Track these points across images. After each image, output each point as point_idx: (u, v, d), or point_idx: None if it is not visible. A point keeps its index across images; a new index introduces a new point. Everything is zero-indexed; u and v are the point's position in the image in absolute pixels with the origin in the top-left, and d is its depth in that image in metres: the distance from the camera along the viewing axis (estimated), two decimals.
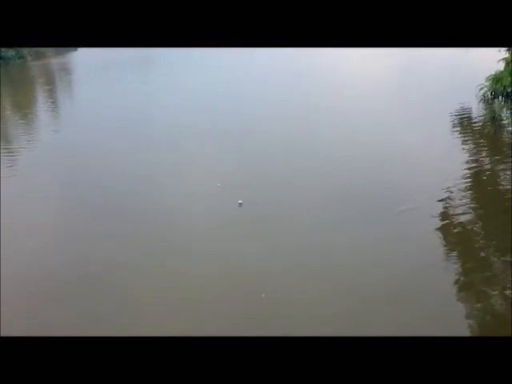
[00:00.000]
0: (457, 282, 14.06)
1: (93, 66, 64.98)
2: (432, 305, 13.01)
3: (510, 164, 21.78)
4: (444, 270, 14.49)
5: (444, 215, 17.96)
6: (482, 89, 21.12)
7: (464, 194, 19.80)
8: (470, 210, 18.39)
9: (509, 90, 19.06)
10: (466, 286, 14.09)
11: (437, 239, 16.31)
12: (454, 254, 15.73)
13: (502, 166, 22.21)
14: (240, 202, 19.65)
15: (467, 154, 24.02)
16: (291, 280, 14.49)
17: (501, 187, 20.66)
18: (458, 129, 28.47)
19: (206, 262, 15.66)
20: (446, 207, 18.57)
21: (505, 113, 20.54)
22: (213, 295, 13.97)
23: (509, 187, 20.01)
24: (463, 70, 41.29)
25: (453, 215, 18.03)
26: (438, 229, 16.88)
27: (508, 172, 21.25)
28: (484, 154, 24.43)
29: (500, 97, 19.91)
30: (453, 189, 19.94)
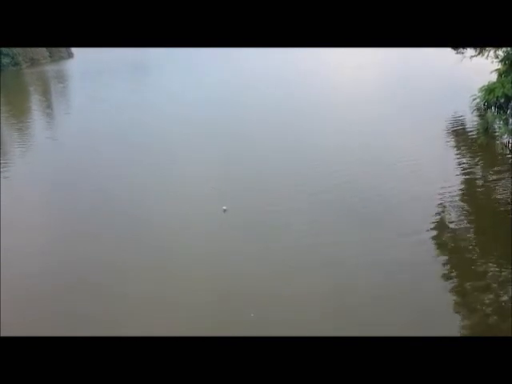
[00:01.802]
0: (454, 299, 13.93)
1: (87, 73, 65.05)
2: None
3: (503, 175, 21.96)
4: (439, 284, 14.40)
5: (438, 227, 17.95)
6: (475, 99, 21.33)
7: (458, 205, 19.87)
8: (465, 222, 18.41)
9: (501, 100, 19.24)
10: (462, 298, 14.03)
11: (431, 250, 16.33)
12: (449, 266, 15.66)
13: (494, 177, 22.36)
14: (224, 208, 19.17)
15: (461, 165, 24.17)
16: (277, 283, 14.53)
17: (494, 198, 20.76)
18: (452, 139, 28.69)
19: (181, 265, 15.91)
20: (440, 219, 18.57)
21: (497, 123, 20.65)
22: (201, 296, 14.05)
23: (501, 198, 20.13)
24: (458, 80, 41.71)
25: (447, 228, 18.04)
26: (432, 238, 16.89)
27: (500, 183, 21.38)
28: (477, 165, 24.59)
29: (493, 107, 20.07)
30: (446, 200, 19.96)
